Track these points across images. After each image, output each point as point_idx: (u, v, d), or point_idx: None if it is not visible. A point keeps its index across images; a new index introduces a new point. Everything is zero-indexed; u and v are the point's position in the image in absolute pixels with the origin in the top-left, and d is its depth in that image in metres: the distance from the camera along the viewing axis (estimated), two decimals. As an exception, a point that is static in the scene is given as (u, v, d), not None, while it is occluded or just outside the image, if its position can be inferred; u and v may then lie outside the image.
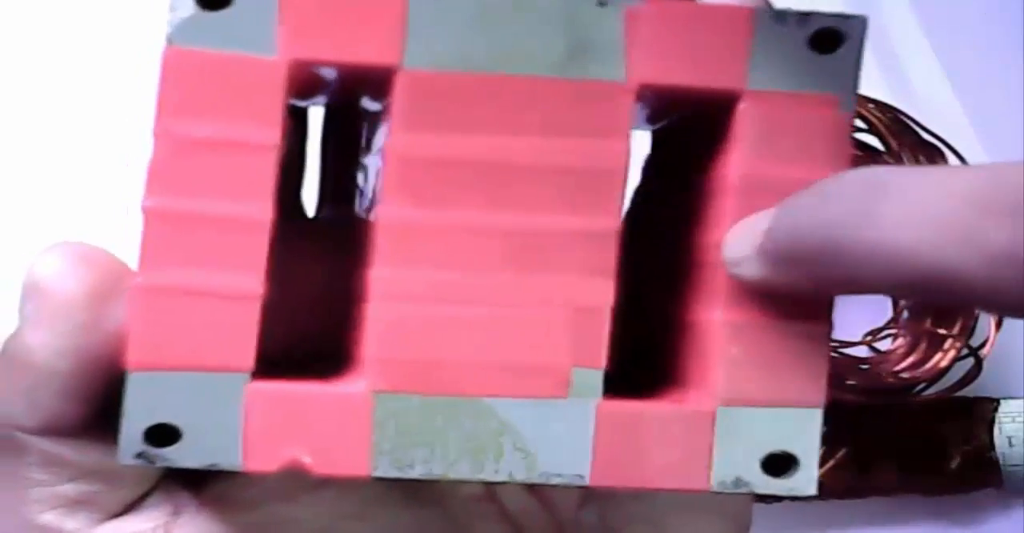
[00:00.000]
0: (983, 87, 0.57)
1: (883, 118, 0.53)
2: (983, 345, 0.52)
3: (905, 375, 0.52)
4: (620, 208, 0.23)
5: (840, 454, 0.52)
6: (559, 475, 0.23)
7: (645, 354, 0.26)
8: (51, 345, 0.22)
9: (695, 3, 0.23)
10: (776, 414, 0.23)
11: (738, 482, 0.23)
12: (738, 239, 0.23)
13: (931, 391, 0.53)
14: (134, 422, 0.22)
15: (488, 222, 0.23)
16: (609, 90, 0.23)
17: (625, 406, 0.23)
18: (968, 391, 0.53)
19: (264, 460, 0.22)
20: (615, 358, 0.24)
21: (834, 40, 0.23)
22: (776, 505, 0.52)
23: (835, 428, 0.52)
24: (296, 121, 0.27)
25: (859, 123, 0.53)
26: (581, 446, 0.23)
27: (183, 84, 0.22)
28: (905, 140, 0.53)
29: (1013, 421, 0.53)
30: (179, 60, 0.22)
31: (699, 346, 0.24)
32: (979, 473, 0.53)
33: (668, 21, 0.23)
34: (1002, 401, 0.53)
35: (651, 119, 0.26)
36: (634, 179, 0.28)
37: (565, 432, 0.23)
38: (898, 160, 0.53)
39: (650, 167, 0.28)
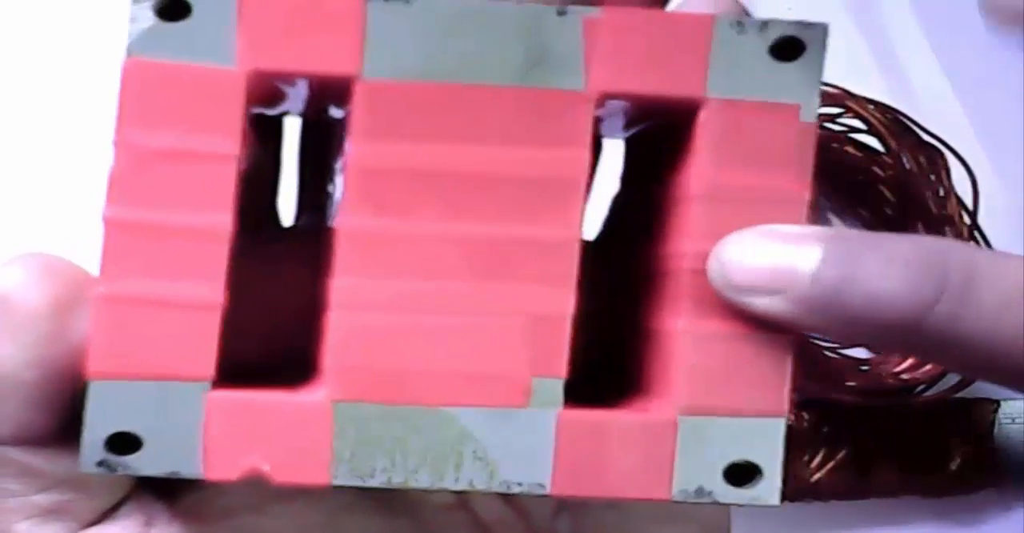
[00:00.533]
0: (983, 87, 0.57)
1: (883, 118, 0.53)
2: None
3: (905, 376, 0.52)
4: (580, 217, 0.23)
5: (840, 455, 0.52)
6: (519, 484, 0.23)
7: (615, 362, 0.26)
8: (16, 356, 0.23)
9: (655, 11, 0.23)
10: (739, 424, 0.23)
11: (700, 491, 0.23)
12: (764, 271, 0.23)
13: (931, 392, 0.53)
14: (95, 430, 0.22)
15: (447, 231, 0.23)
16: (568, 99, 0.23)
17: (586, 415, 0.23)
18: (968, 392, 0.53)
19: (224, 469, 0.23)
20: (584, 366, 0.24)
21: (795, 48, 0.23)
22: (776, 506, 0.52)
23: (835, 429, 0.52)
24: (269, 131, 0.27)
25: (859, 124, 0.53)
26: (542, 455, 0.23)
27: (143, 95, 0.22)
28: (905, 141, 0.53)
29: (1013, 422, 0.53)
30: (139, 71, 0.22)
31: (662, 355, 0.24)
32: (979, 474, 0.53)
33: (627, 30, 0.23)
34: (1002, 402, 0.53)
35: (625, 127, 0.26)
36: (614, 187, 0.28)
37: (526, 441, 0.23)
38: (898, 160, 0.53)
39: (625, 175, 0.28)
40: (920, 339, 0.22)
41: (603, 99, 0.23)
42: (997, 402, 0.54)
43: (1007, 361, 0.20)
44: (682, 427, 0.23)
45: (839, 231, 0.23)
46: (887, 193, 0.54)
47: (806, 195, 0.23)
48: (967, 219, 0.54)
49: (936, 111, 0.56)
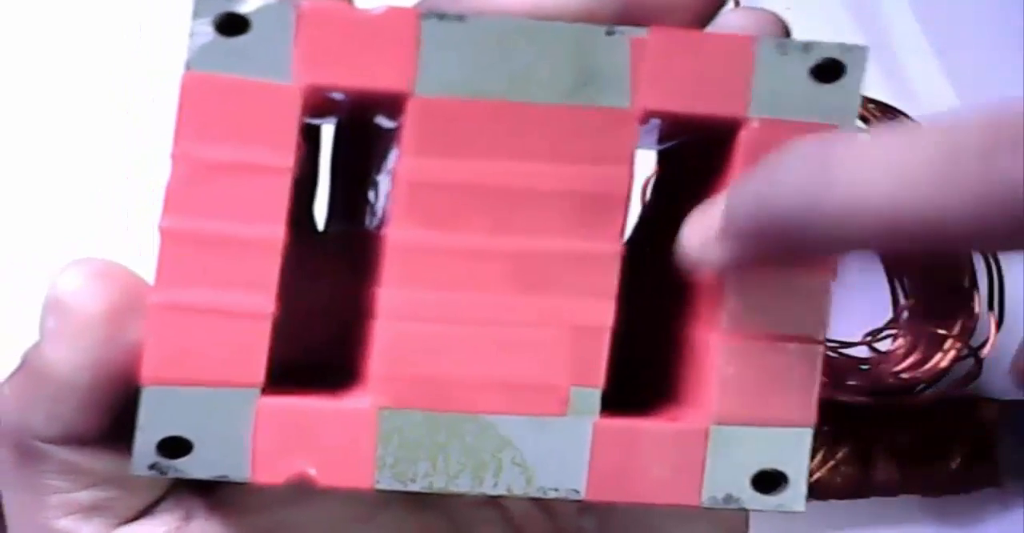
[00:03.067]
0: (983, 87, 0.57)
1: (883, 118, 0.53)
2: (983, 345, 0.53)
3: (905, 376, 0.52)
4: (622, 232, 0.24)
5: (840, 454, 0.52)
6: (556, 489, 0.24)
7: (647, 370, 0.26)
8: (72, 360, 0.23)
9: (699, 32, 0.24)
10: (767, 433, 0.24)
11: (728, 498, 0.24)
12: (694, 232, 0.23)
13: (931, 391, 0.53)
14: (148, 434, 0.23)
15: (493, 245, 0.23)
16: (614, 117, 0.23)
17: (621, 423, 0.24)
18: (968, 392, 0.53)
19: (271, 473, 0.23)
20: (617, 374, 0.24)
21: (836, 70, 0.24)
22: (801, 512, 0.52)
23: (835, 428, 0.52)
24: (309, 138, 0.28)
25: (859, 123, 0.53)
26: (578, 462, 0.24)
27: (201, 108, 0.23)
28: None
29: (1013, 421, 0.53)
30: (197, 85, 0.23)
31: (695, 365, 0.24)
32: (979, 473, 0.54)
33: (672, 50, 0.23)
34: (1003, 402, 0.54)
35: (660, 140, 0.26)
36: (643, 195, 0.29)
37: (562, 448, 0.24)
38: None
39: (658, 186, 0.29)
40: (814, 223, 0.21)
41: (648, 117, 0.24)
42: (998, 401, 0.54)
43: (880, 222, 0.20)
44: (713, 436, 0.24)
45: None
46: (887, 193, 0.54)
47: None
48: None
49: (936, 111, 0.56)
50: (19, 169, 0.52)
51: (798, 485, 0.24)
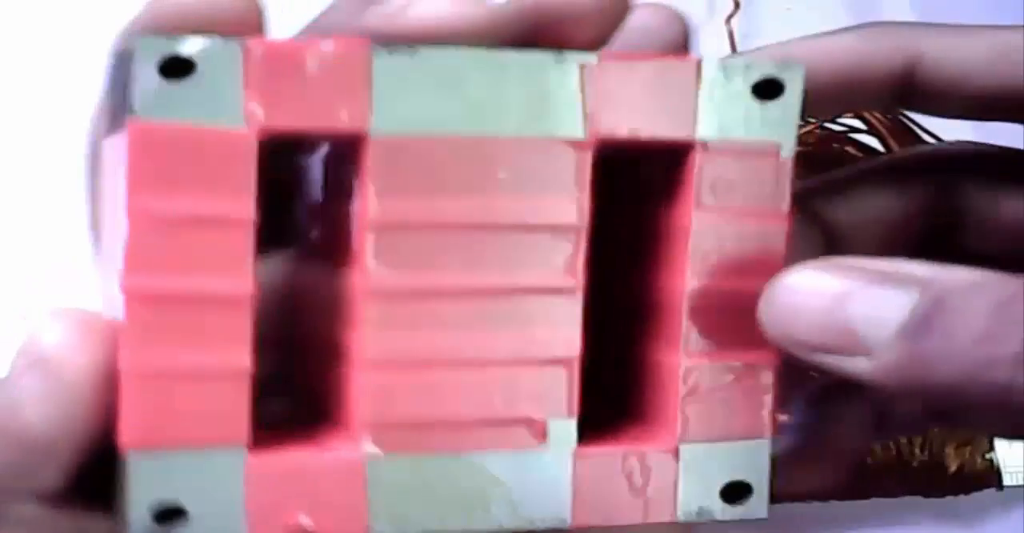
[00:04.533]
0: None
1: (883, 119, 0.53)
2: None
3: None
4: (583, 262, 0.24)
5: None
6: (543, 520, 0.24)
7: (602, 390, 0.26)
8: (55, 422, 0.22)
9: (646, 55, 0.24)
10: (731, 447, 0.25)
11: (701, 512, 0.25)
12: (832, 328, 0.22)
13: (931, 392, 0.53)
14: (140, 502, 0.22)
15: (461, 283, 0.23)
16: (569, 146, 0.23)
17: (598, 450, 0.24)
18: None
19: (269, 528, 0.23)
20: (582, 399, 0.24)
21: (775, 88, 0.24)
22: (777, 506, 0.53)
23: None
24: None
25: (859, 124, 0.53)
26: (561, 491, 0.24)
27: (153, 159, 0.22)
28: (905, 140, 0.53)
29: (1013, 422, 0.53)
30: (145, 134, 0.22)
31: (660, 387, 0.25)
32: (979, 474, 0.54)
33: (621, 75, 0.23)
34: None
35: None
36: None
37: (546, 479, 0.24)
38: (898, 161, 0.53)
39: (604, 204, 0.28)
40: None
41: (601, 145, 0.23)
42: (997, 402, 0.54)
43: None
44: (683, 455, 0.24)
45: (933, 269, 0.21)
46: (887, 193, 0.54)
47: (786, 229, 0.24)
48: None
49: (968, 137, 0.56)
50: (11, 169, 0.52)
51: (761, 493, 0.25)
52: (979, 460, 0.54)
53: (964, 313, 0.20)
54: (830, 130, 0.54)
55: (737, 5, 0.59)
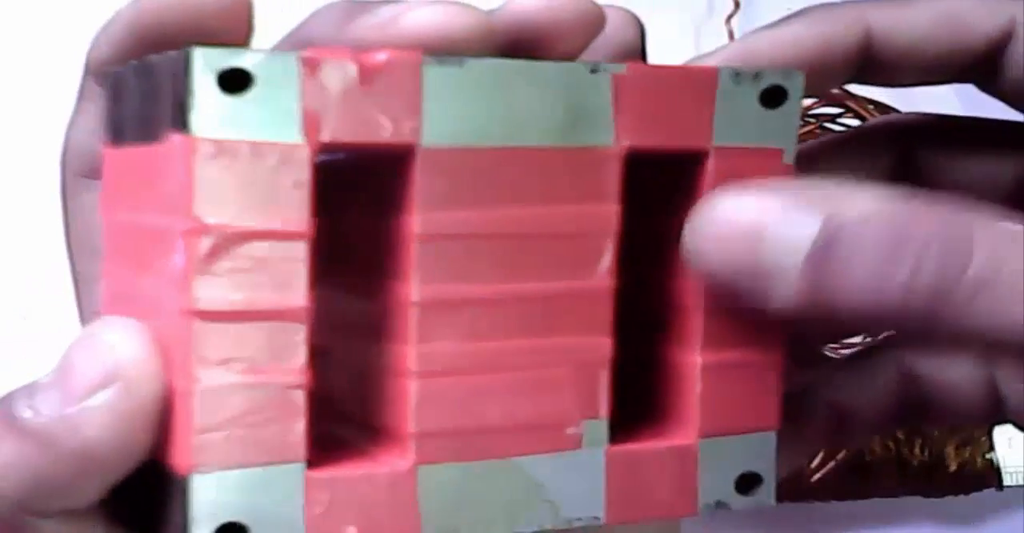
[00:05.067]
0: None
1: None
2: (983, 346, 0.52)
3: (905, 376, 0.52)
4: (614, 268, 0.24)
5: (840, 455, 0.52)
6: (579, 518, 0.25)
7: (621, 390, 0.27)
8: (120, 442, 0.21)
9: (668, 66, 0.24)
10: (743, 440, 0.25)
11: (718, 504, 0.25)
12: (742, 259, 0.23)
13: (931, 392, 0.53)
14: (202, 526, 0.22)
15: (502, 291, 0.24)
16: (601, 156, 0.24)
17: (627, 448, 0.25)
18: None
19: None
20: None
21: (780, 96, 0.25)
22: (777, 506, 0.53)
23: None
24: None
25: (859, 124, 0.53)
26: (596, 489, 0.25)
27: (212, 174, 0.21)
28: (905, 141, 0.53)
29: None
30: (207, 148, 0.21)
31: (678, 385, 0.25)
32: (979, 474, 0.54)
33: (647, 85, 0.24)
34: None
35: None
36: None
37: (581, 479, 0.25)
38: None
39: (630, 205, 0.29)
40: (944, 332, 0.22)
41: (630, 154, 0.24)
42: (997, 402, 0.54)
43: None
44: (702, 449, 0.25)
45: (839, 192, 0.23)
46: (887, 193, 0.54)
47: None
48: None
49: (936, 111, 0.56)
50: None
51: (769, 483, 0.26)
52: (979, 460, 0.54)
53: (859, 244, 0.22)
54: (829, 130, 0.54)
55: (737, 5, 0.59)
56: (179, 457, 0.22)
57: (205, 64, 0.21)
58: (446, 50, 0.23)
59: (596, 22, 0.24)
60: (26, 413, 0.22)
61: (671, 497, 0.25)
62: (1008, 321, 0.21)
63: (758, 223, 0.23)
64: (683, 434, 0.25)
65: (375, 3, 0.24)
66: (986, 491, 0.54)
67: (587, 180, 0.24)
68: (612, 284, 0.24)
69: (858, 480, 0.53)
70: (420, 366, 0.23)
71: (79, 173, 0.27)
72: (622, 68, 0.23)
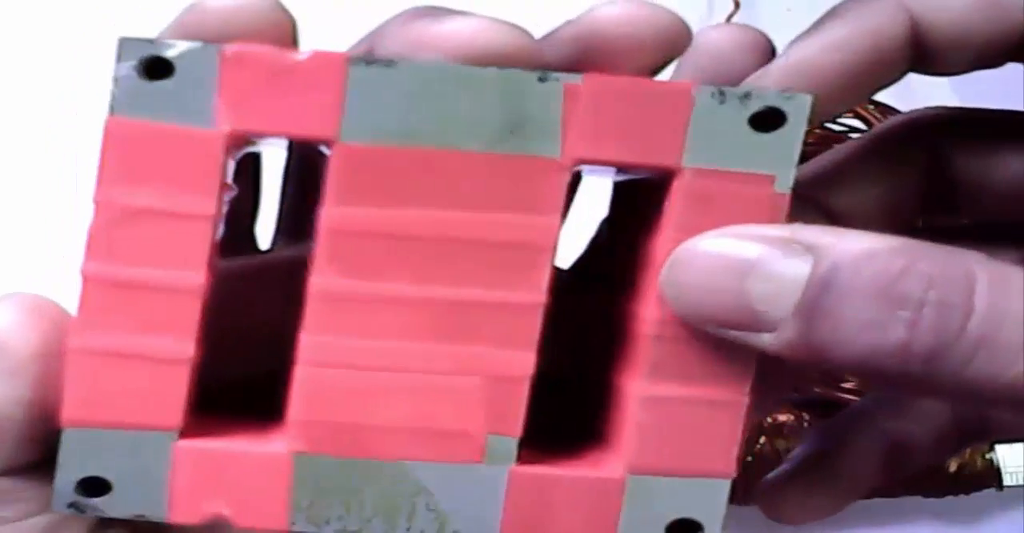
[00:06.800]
0: (982, 86, 0.57)
1: (882, 118, 0.53)
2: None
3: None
4: (546, 282, 0.23)
5: (840, 455, 0.52)
6: None
7: (579, 414, 0.26)
8: (9, 396, 0.23)
9: (636, 79, 0.23)
10: (685, 483, 0.24)
11: None
12: (729, 304, 0.22)
13: (931, 392, 0.53)
14: (67, 474, 0.23)
15: (415, 294, 0.23)
16: (543, 166, 0.23)
17: (536, 471, 0.24)
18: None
19: (188, 513, 0.24)
20: (549, 416, 0.24)
21: (775, 120, 0.23)
22: (776, 506, 0.53)
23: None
24: (248, 160, 0.28)
25: (859, 124, 0.53)
26: (492, 508, 0.24)
27: (124, 153, 0.23)
28: (905, 140, 0.53)
29: (1013, 422, 0.53)
30: (120, 130, 0.23)
31: (618, 412, 0.24)
32: (979, 474, 0.54)
33: (607, 97, 0.23)
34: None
35: (617, 172, 0.26)
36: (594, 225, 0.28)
37: (477, 495, 0.24)
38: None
39: (606, 219, 0.28)
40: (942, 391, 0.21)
41: (577, 165, 0.23)
42: (997, 402, 0.54)
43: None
44: (629, 485, 0.24)
45: (827, 239, 0.22)
46: (887, 193, 0.54)
47: None
48: (967, 219, 0.54)
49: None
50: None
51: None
52: (979, 460, 0.54)
53: (851, 295, 0.21)
54: (830, 130, 0.54)
55: (737, 5, 0.59)
56: (63, 413, 0.23)
57: (129, 52, 0.22)
58: (490, 63, 0.23)
59: (678, 40, 0.23)
60: None
61: (583, 530, 0.24)
62: (1008, 379, 0.20)
63: (746, 263, 0.22)
64: (610, 466, 0.24)
65: (442, 11, 0.24)
66: (986, 491, 0.54)
67: (525, 190, 0.23)
68: (542, 299, 0.23)
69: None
70: (308, 354, 0.23)
71: None
72: (577, 78, 0.23)
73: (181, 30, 0.24)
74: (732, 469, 0.24)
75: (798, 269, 0.21)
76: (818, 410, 0.52)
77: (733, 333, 0.22)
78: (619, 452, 0.24)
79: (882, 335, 0.20)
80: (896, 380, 0.21)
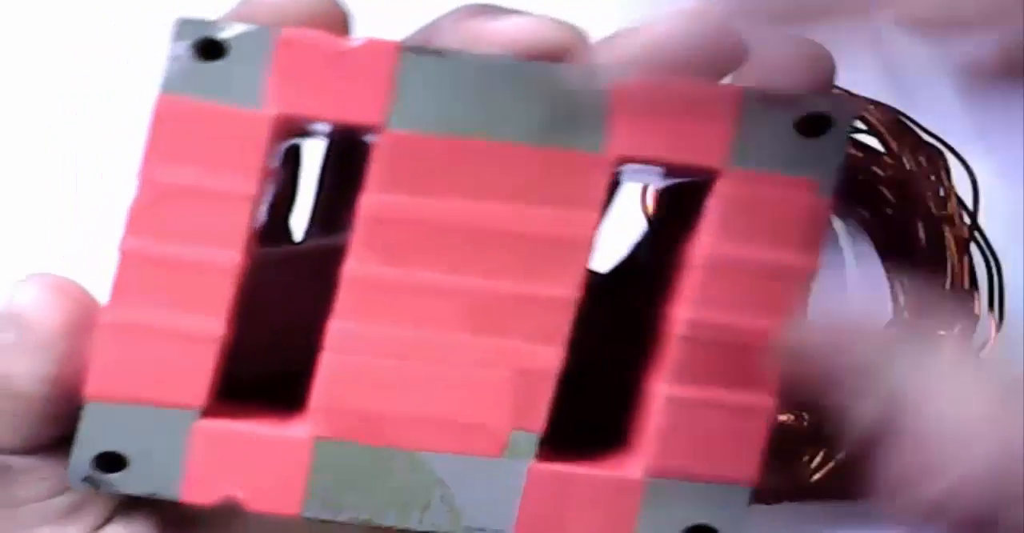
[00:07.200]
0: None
1: (883, 118, 0.53)
2: (983, 346, 0.52)
3: (905, 376, 0.52)
4: (581, 278, 0.24)
5: (840, 455, 0.52)
6: (482, 530, 0.24)
7: (606, 414, 0.26)
8: (34, 373, 0.24)
9: (685, 80, 0.23)
10: (704, 488, 0.24)
11: None
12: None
13: (931, 392, 0.53)
14: (84, 448, 0.24)
15: (448, 283, 0.23)
16: (587, 161, 0.23)
17: (555, 469, 0.24)
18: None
19: (201, 493, 0.24)
20: (576, 415, 0.24)
21: (822, 124, 0.23)
22: (777, 506, 0.53)
23: (835, 429, 0.52)
24: (289, 156, 0.28)
25: (859, 124, 0.53)
26: (508, 504, 0.24)
27: (171, 131, 0.23)
28: (905, 141, 0.53)
29: (1013, 422, 0.53)
30: (170, 108, 0.23)
31: (642, 414, 0.24)
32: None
33: (654, 96, 0.23)
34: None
35: (664, 176, 0.26)
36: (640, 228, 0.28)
37: (494, 490, 0.24)
38: (898, 160, 0.53)
39: (647, 228, 0.28)
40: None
41: (621, 162, 0.23)
42: (997, 402, 0.53)
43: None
44: (647, 488, 0.24)
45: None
46: (887, 193, 0.54)
47: (812, 271, 0.23)
48: (967, 219, 0.54)
49: (936, 111, 0.56)
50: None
51: None
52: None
53: None
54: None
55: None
56: (87, 386, 0.23)
57: (183, 32, 0.23)
58: (542, 59, 0.23)
59: (732, 58, 0.23)
60: None
61: (598, 531, 0.24)
62: None
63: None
64: (631, 467, 0.24)
65: (497, 9, 0.24)
66: (986, 491, 0.54)
67: (567, 185, 0.23)
68: (575, 295, 0.23)
69: (858, 481, 0.52)
70: (336, 340, 0.24)
71: None
72: (626, 76, 0.23)
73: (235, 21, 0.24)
74: (755, 476, 0.24)
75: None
76: (818, 410, 0.52)
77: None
78: (639, 453, 0.24)
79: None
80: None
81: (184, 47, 0.23)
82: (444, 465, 0.23)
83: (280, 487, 0.24)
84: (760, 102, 0.23)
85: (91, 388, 0.23)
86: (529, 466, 0.24)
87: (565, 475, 0.24)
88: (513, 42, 0.23)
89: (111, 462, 0.24)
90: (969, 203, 0.54)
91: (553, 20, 0.23)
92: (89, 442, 0.23)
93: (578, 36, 0.23)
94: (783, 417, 0.52)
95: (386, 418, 0.23)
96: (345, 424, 0.23)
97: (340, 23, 0.24)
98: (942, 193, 0.53)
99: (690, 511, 0.24)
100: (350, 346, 0.23)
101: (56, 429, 0.24)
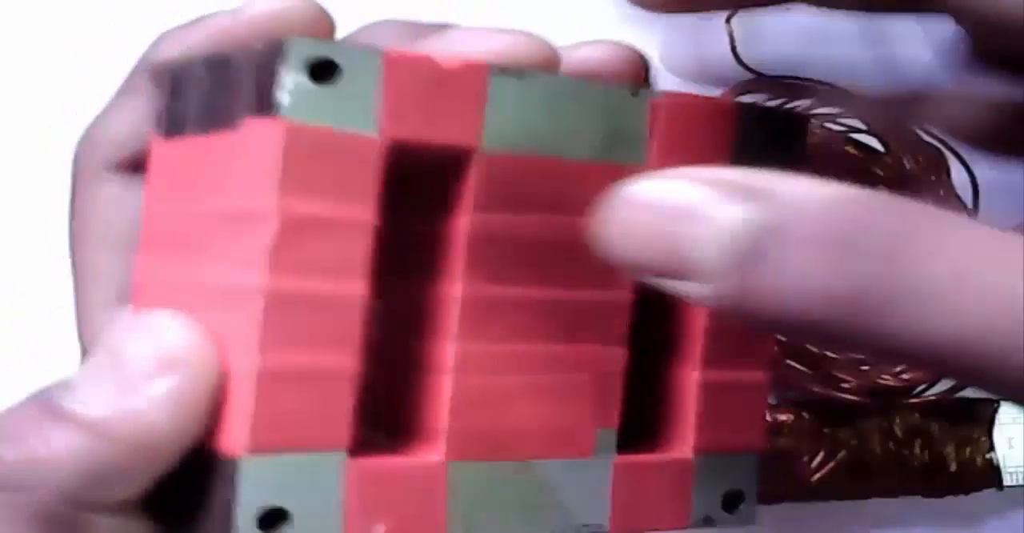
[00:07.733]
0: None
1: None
2: (983, 346, 0.52)
3: (905, 376, 0.52)
4: (633, 281, 0.25)
5: (840, 455, 0.52)
6: (587, 525, 0.25)
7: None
8: (182, 428, 0.21)
9: (694, 95, 0.25)
10: (732, 458, 0.26)
11: (707, 519, 0.26)
12: (659, 250, 0.20)
13: (931, 392, 0.53)
14: (246, 507, 0.22)
15: (538, 297, 0.24)
16: (633, 174, 0.24)
17: (632, 459, 0.26)
18: (968, 392, 0.53)
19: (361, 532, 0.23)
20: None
21: (792, 133, 0.26)
22: (777, 506, 0.53)
23: (835, 429, 0.52)
24: None
25: (859, 124, 0.53)
26: (602, 497, 0.25)
27: (299, 159, 0.22)
28: (905, 141, 0.53)
29: (1013, 422, 0.53)
30: (295, 135, 0.22)
31: (677, 400, 0.26)
32: (979, 474, 0.53)
33: (677, 111, 0.25)
34: (1002, 402, 0.53)
35: None
36: None
37: (590, 486, 0.25)
38: (898, 161, 0.53)
39: None
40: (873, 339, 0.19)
41: None
42: (997, 402, 0.54)
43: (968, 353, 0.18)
44: (696, 465, 0.26)
45: (779, 186, 0.20)
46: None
47: None
48: (967, 219, 0.54)
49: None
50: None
51: (751, 501, 0.27)
52: (979, 460, 0.54)
53: (802, 244, 0.19)
54: (830, 130, 0.54)
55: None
56: (231, 440, 0.22)
57: (297, 53, 0.21)
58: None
59: (548, 62, 0.25)
60: (76, 406, 0.21)
61: (667, 509, 0.25)
62: (963, 334, 0.19)
63: (679, 210, 0.20)
64: (680, 448, 0.26)
65: (431, 26, 0.25)
66: (986, 491, 0.54)
67: None
68: (631, 297, 0.25)
69: (858, 480, 0.53)
70: (459, 363, 0.24)
71: (105, 166, 0.27)
72: (659, 94, 0.25)
73: (225, 32, 0.23)
74: (764, 442, 0.27)
75: (737, 214, 0.19)
76: (818, 410, 0.53)
77: (669, 283, 0.20)
78: (684, 435, 0.26)
79: (833, 286, 0.19)
80: (836, 334, 0.19)
81: (299, 69, 0.21)
82: (551, 470, 0.24)
83: (424, 515, 0.24)
84: (748, 112, 0.26)
85: (250, 442, 0.22)
86: (613, 460, 0.25)
87: (640, 464, 0.25)
88: (498, 57, 0.24)
89: (274, 518, 0.22)
90: (969, 203, 0.54)
91: (523, 33, 0.24)
92: (250, 500, 0.22)
93: (549, 47, 0.25)
94: (783, 416, 0.52)
95: (501, 432, 0.24)
96: (472, 444, 0.24)
97: (329, 33, 0.24)
98: (942, 193, 0.53)
99: (724, 479, 0.26)
100: (471, 367, 0.24)
101: (152, 486, 0.22)
